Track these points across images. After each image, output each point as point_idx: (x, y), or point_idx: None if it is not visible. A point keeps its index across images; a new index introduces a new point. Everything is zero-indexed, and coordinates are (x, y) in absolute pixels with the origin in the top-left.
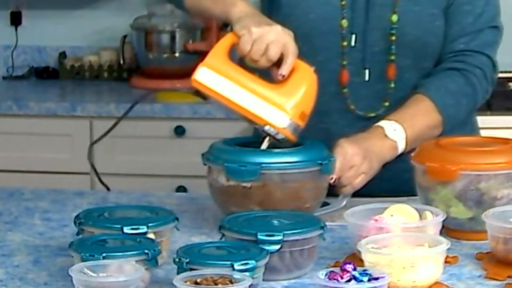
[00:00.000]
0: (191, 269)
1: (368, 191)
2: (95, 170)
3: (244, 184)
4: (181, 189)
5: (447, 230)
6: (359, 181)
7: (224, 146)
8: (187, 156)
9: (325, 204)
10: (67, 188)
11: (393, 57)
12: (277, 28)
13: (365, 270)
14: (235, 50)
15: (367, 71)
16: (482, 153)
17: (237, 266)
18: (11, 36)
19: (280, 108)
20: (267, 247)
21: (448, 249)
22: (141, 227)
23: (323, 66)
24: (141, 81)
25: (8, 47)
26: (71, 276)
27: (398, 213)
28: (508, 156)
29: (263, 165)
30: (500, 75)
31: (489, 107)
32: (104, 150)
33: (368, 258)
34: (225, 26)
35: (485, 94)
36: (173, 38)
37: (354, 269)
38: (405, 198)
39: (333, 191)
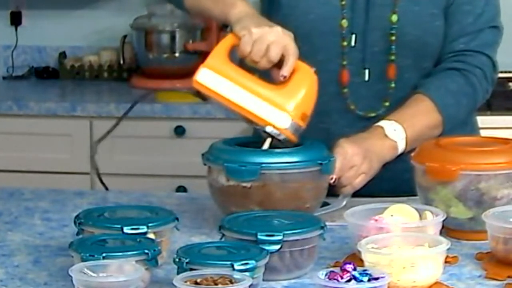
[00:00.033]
0: (191, 269)
1: (368, 191)
2: (97, 170)
3: (244, 184)
4: (181, 189)
5: (447, 230)
6: (359, 181)
7: (224, 146)
8: (187, 156)
9: (325, 204)
10: (67, 188)
11: (393, 57)
12: (278, 29)
13: (365, 270)
14: (235, 51)
15: (367, 71)
16: (482, 153)
17: (237, 266)
18: (11, 36)
19: (282, 109)
20: (267, 247)
21: (448, 249)
22: (141, 227)
23: (323, 66)
24: (141, 81)
25: (8, 47)
26: (71, 276)
27: (398, 213)
28: (508, 156)
29: (263, 165)
30: (500, 75)
31: (489, 107)
32: (104, 150)
33: (368, 258)
34: (225, 26)
35: (485, 94)
36: (173, 38)
37: (354, 269)
38: (405, 198)
39: (333, 191)
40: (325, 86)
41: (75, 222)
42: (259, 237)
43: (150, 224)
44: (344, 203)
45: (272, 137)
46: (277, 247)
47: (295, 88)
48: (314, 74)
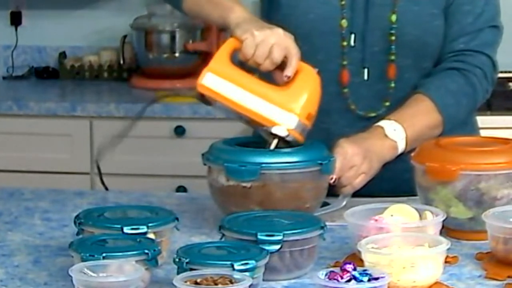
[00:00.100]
0: (191, 269)
1: (368, 191)
2: (99, 173)
3: (244, 184)
4: (181, 189)
5: (447, 230)
6: (359, 181)
7: (224, 146)
8: (187, 156)
9: (325, 204)
10: (67, 188)
11: (393, 57)
12: (279, 31)
13: (365, 270)
14: (236, 54)
15: (366, 71)
16: (482, 153)
17: (237, 266)
18: (11, 36)
19: (288, 110)
20: (267, 247)
21: (448, 249)
22: (141, 227)
23: (323, 66)
24: (141, 81)
25: (8, 47)
26: (71, 276)
27: (398, 213)
28: (508, 156)
29: (263, 165)
30: (500, 75)
31: (489, 107)
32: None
33: (368, 258)
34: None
35: (485, 94)
36: (173, 38)
37: (354, 269)
38: (405, 198)
39: (333, 191)
40: (325, 86)
41: (75, 222)
42: (259, 237)
43: (150, 224)
44: (344, 203)
45: (279, 138)
46: (277, 247)
47: (300, 88)
48: (317, 75)
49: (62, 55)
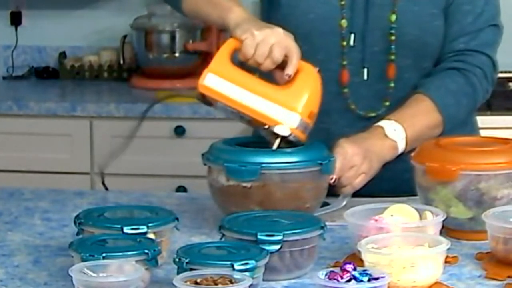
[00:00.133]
0: (191, 269)
1: (368, 191)
2: (102, 176)
3: (244, 184)
4: (181, 189)
5: (447, 230)
6: (359, 181)
7: (224, 146)
8: (187, 156)
9: (325, 204)
10: (67, 188)
11: (392, 57)
12: (279, 30)
13: (365, 270)
14: (236, 55)
15: (365, 70)
16: (482, 153)
17: (237, 266)
18: (11, 36)
19: (290, 108)
20: (267, 247)
21: (448, 249)
22: (141, 227)
23: (323, 65)
24: (141, 81)
25: (8, 47)
26: (71, 276)
27: (398, 213)
28: (508, 156)
29: (263, 165)
30: (500, 75)
31: (489, 107)
32: (104, 150)
33: (368, 258)
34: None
35: (485, 93)
36: (173, 38)
37: (354, 269)
38: (405, 198)
39: (333, 191)
40: (325, 86)
41: (75, 222)
42: (259, 237)
43: (150, 224)
44: (344, 203)
45: (281, 137)
46: (277, 247)
47: (301, 87)
48: (318, 73)
49: (62, 55)
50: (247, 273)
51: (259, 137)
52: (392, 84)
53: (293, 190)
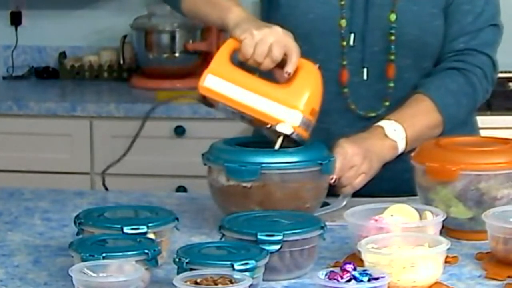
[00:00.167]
0: (191, 269)
1: (368, 191)
2: (103, 178)
3: (244, 184)
4: (181, 189)
5: (447, 230)
6: (359, 181)
7: (224, 146)
8: (187, 156)
9: (325, 204)
10: (67, 188)
11: (392, 57)
12: (277, 29)
13: (365, 270)
14: (236, 55)
15: (365, 70)
16: (482, 153)
17: (237, 266)
18: (11, 36)
19: (292, 106)
20: (267, 247)
21: (448, 249)
22: (141, 227)
23: (323, 65)
24: (141, 81)
25: (8, 47)
26: (71, 276)
27: (398, 213)
28: (508, 156)
29: (263, 165)
30: (500, 75)
31: (489, 107)
32: (104, 150)
33: (368, 258)
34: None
35: (485, 93)
36: (173, 38)
37: (354, 269)
38: (405, 198)
39: (333, 191)
40: (325, 85)
41: (75, 222)
42: (259, 237)
43: (150, 224)
44: (344, 203)
45: (284, 136)
46: (277, 247)
47: (302, 84)
48: (318, 70)
49: (62, 55)
50: (247, 273)
51: (259, 137)
52: (392, 84)
53: (293, 190)
